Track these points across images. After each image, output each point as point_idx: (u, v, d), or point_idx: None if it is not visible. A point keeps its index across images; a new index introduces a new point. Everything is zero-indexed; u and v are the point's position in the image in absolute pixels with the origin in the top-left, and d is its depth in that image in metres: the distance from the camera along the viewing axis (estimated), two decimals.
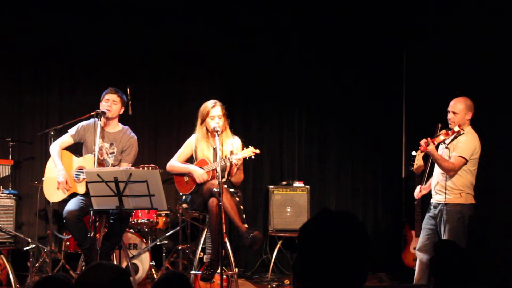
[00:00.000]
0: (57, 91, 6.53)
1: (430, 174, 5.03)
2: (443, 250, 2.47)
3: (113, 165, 4.92)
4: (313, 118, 7.08)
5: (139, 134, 5.35)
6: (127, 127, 5.15)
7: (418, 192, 5.09)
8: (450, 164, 4.67)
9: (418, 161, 5.18)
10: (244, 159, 4.67)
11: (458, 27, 5.99)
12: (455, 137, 4.74)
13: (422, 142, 4.64)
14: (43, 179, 5.13)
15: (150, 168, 4.46)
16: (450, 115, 4.77)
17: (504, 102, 5.48)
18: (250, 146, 4.65)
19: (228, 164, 4.70)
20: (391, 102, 7.06)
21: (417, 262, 4.90)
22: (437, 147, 4.89)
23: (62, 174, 4.82)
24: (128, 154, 5.00)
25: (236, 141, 4.89)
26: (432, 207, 4.86)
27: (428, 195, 4.99)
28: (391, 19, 6.91)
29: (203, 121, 4.83)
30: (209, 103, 4.83)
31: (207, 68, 6.87)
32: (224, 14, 6.78)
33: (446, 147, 4.78)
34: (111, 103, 5.00)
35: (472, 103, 4.77)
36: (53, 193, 4.95)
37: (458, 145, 4.72)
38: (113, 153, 5.01)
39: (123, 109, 5.11)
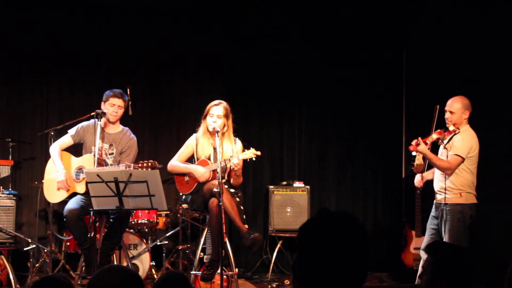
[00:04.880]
0: (57, 92, 6.53)
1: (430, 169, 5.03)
2: (439, 252, 2.46)
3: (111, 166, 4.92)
4: (313, 118, 7.08)
5: (139, 134, 5.35)
6: (127, 128, 5.15)
7: (419, 180, 5.02)
8: (446, 163, 4.67)
9: (418, 161, 5.17)
10: (245, 161, 4.66)
11: (458, 26, 5.99)
12: (451, 137, 4.74)
13: (413, 142, 4.63)
14: (42, 181, 5.13)
15: (150, 163, 4.47)
16: (447, 115, 4.77)
17: (504, 101, 5.48)
18: (251, 148, 4.64)
19: (228, 165, 4.68)
20: (391, 102, 7.06)
21: (421, 262, 4.90)
22: (437, 147, 4.88)
23: (62, 173, 4.83)
24: (127, 155, 4.99)
25: (237, 143, 4.88)
26: (434, 207, 4.86)
27: (431, 194, 4.98)
28: (391, 19, 6.91)
29: (205, 117, 4.84)
30: (215, 101, 4.83)
31: (207, 68, 6.87)
32: (224, 14, 6.77)
33: (445, 147, 4.78)
34: (117, 108, 4.97)
35: (469, 102, 4.76)
36: (53, 194, 4.96)
37: (453, 144, 4.72)
38: (112, 154, 5.00)
39: (124, 111, 5.10)
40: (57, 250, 5.82)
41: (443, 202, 4.72)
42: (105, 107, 4.98)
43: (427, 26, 6.55)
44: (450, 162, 4.67)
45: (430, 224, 4.88)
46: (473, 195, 4.74)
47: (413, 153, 5.17)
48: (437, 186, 4.84)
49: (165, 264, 5.79)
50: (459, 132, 4.70)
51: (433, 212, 4.87)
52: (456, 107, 4.74)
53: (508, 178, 5.38)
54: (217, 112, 4.77)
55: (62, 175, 4.82)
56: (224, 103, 4.82)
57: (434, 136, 4.71)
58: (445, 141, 4.77)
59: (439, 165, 4.68)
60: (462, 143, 4.68)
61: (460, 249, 2.51)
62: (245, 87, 6.88)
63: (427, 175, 5.02)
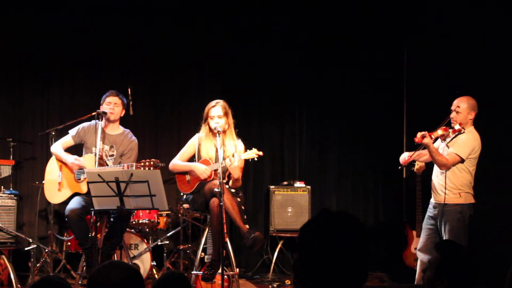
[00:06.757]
0: (57, 92, 6.54)
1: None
2: (445, 250, 2.47)
3: None
4: (313, 118, 7.08)
5: (140, 134, 5.36)
6: (128, 130, 5.15)
7: (405, 158, 4.98)
8: (444, 159, 4.68)
9: (420, 163, 5.18)
10: (246, 161, 4.66)
11: (459, 26, 5.99)
12: (455, 136, 4.74)
13: (419, 134, 4.64)
14: (43, 182, 5.13)
15: (152, 162, 4.47)
16: (453, 114, 4.78)
17: (505, 101, 5.48)
18: (253, 148, 4.63)
19: (228, 164, 4.66)
20: (392, 102, 7.06)
21: (418, 263, 4.90)
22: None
23: (72, 158, 4.87)
24: (128, 157, 5.00)
25: (239, 144, 4.88)
26: (432, 207, 4.86)
27: (429, 197, 4.97)
28: (391, 19, 6.91)
29: (205, 121, 4.83)
30: (211, 103, 4.82)
31: (207, 68, 6.88)
32: (224, 14, 6.78)
33: (447, 145, 4.78)
34: (113, 105, 5.00)
35: (475, 102, 4.77)
36: (54, 195, 4.96)
37: (457, 142, 4.72)
38: (112, 155, 5.00)
39: (124, 112, 5.12)
40: (58, 250, 5.83)
41: (443, 202, 4.72)
42: (103, 108, 5.01)
43: (427, 26, 6.55)
44: (448, 159, 4.68)
45: (426, 224, 4.87)
46: (471, 195, 4.76)
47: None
48: (436, 185, 4.84)
49: (166, 264, 5.80)
50: (464, 132, 4.71)
51: (430, 212, 4.86)
52: (462, 107, 4.74)
53: (508, 178, 5.38)
54: (217, 113, 4.76)
55: (72, 158, 4.87)
56: (221, 102, 4.81)
57: (439, 132, 4.73)
58: (448, 139, 4.78)
59: (437, 159, 4.69)
60: (465, 143, 4.69)
61: (467, 250, 2.52)
62: (245, 86, 6.88)
63: (414, 156, 4.97)
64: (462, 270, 2.40)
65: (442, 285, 2.38)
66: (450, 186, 4.71)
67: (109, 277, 2.07)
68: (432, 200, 4.88)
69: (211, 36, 6.78)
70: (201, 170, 4.72)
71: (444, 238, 4.65)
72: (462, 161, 4.68)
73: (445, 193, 4.70)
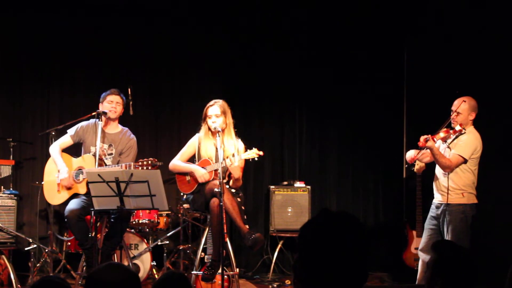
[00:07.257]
0: (57, 92, 6.54)
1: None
2: (443, 250, 2.46)
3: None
4: (313, 118, 7.08)
5: (139, 134, 5.35)
6: (126, 128, 5.15)
7: (411, 156, 4.98)
8: (447, 161, 4.69)
9: (420, 164, 5.18)
10: (247, 160, 4.65)
11: (459, 26, 5.99)
12: (456, 137, 4.75)
13: (422, 138, 4.66)
14: (42, 183, 5.13)
15: (150, 161, 4.47)
16: (453, 115, 4.78)
17: (505, 101, 5.48)
18: (253, 148, 4.62)
19: (229, 164, 4.65)
20: (392, 102, 7.06)
21: (420, 263, 4.91)
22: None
23: (65, 171, 4.84)
24: (127, 156, 4.99)
25: (240, 144, 4.87)
26: (434, 207, 4.86)
27: (433, 194, 4.98)
28: (391, 19, 6.91)
29: (204, 120, 4.84)
30: (210, 103, 4.82)
31: (207, 68, 6.88)
32: (224, 14, 6.78)
33: (448, 147, 4.79)
34: (115, 104, 5.00)
35: (476, 103, 4.78)
36: (53, 196, 4.96)
37: (458, 144, 4.73)
38: (111, 154, 5.00)
39: (123, 110, 5.11)
40: (58, 250, 5.83)
41: (445, 203, 4.72)
42: (103, 106, 4.99)
43: (427, 26, 6.55)
44: (452, 161, 4.69)
45: (429, 224, 4.88)
46: (474, 195, 4.77)
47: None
48: (438, 186, 4.85)
49: (166, 264, 5.80)
50: (465, 132, 4.72)
51: (432, 213, 4.87)
52: (463, 108, 4.75)
53: (508, 178, 5.38)
54: (214, 112, 4.76)
55: (65, 173, 4.84)
56: (219, 101, 4.81)
57: (442, 134, 4.75)
58: (449, 140, 4.79)
59: (441, 162, 4.70)
60: (467, 144, 4.70)
61: (463, 251, 2.51)
62: (245, 87, 6.88)
63: (419, 157, 4.97)
64: (458, 270, 2.39)
65: (438, 285, 2.38)
66: (453, 187, 4.71)
67: (107, 277, 2.08)
68: (435, 200, 4.88)
69: (211, 36, 6.78)
70: (200, 173, 4.71)
71: (446, 238, 4.65)
72: (465, 161, 4.69)
73: (447, 193, 4.70)
